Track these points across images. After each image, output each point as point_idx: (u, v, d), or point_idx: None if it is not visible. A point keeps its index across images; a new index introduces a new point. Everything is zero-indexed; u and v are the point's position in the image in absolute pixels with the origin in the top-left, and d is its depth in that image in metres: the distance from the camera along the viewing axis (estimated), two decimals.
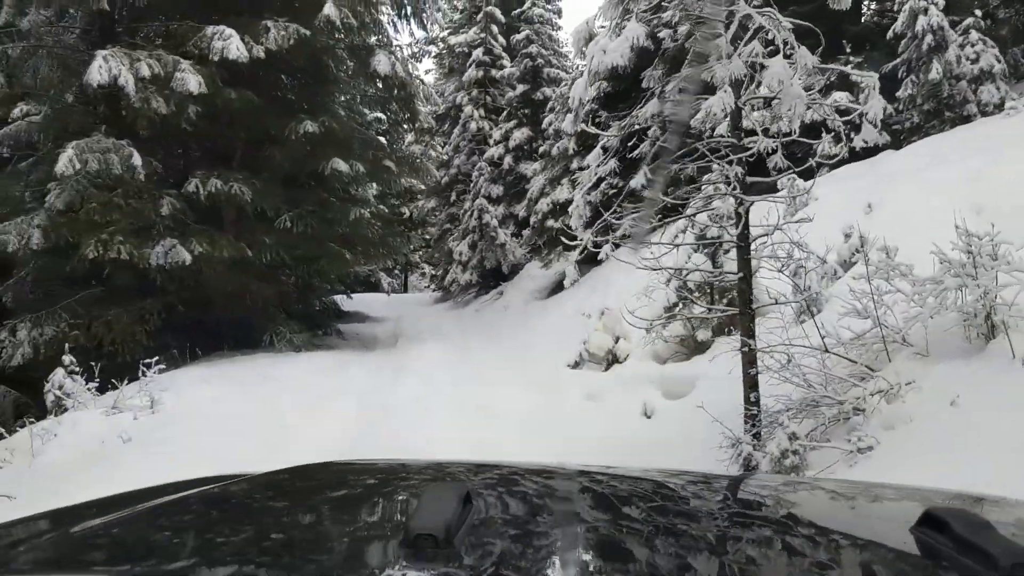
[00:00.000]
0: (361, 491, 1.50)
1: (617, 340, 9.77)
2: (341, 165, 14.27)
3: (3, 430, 8.27)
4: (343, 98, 17.26)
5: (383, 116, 18.73)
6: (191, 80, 12.49)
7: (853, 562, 1.04)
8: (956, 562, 0.91)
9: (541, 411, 8.09)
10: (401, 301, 29.17)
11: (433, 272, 44.89)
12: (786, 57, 5.71)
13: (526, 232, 22.90)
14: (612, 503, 1.38)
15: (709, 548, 1.09)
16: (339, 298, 24.23)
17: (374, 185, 17.71)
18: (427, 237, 43.19)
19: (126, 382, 9.35)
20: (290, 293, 16.14)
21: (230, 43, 12.84)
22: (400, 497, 1.44)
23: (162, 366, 10.38)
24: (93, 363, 12.75)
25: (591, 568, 1.02)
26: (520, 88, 24.07)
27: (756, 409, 5.96)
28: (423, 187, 36.27)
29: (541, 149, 22.12)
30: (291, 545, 1.08)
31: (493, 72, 26.72)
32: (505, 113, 24.68)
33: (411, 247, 17.78)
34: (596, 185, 7.78)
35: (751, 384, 6.01)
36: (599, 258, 10.99)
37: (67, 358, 10.50)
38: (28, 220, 12.94)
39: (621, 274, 13.16)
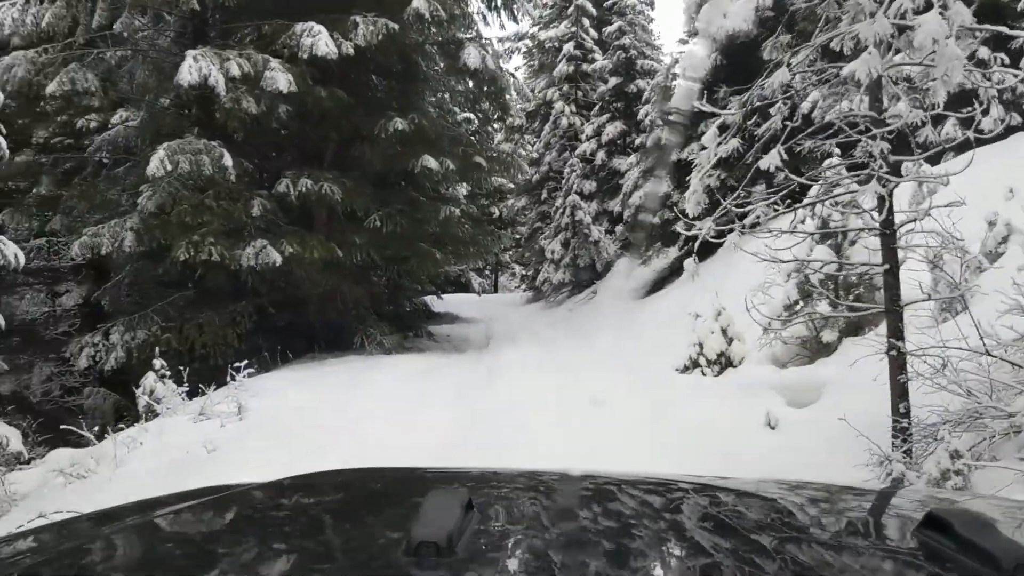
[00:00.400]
0: (363, 498, 1.51)
1: (731, 342, 8.99)
2: (431, 162, 13.86)
3: (92, 436, 8.08)
4: (432, 97, 16.89)
5: (472, 116, 18.25)
6: (280, 79, 12.28)
7: (856, 564, 1.02)
8: (959, 563, 0.90)
9: (650, 420, 7.40)
10: (492, 301, 28.78)
11: (524, 272, 44.52)
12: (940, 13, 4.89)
13: (619, 229, 22.18)
14: (618, 509, 1.38)
15: (705, 553, 1.08)
16: (430, 299, 24.01)
17: (464, 185, 17.36)
18: (517, 236, 42.87)
19: (213, 388, 9.10)
20: (380, 294, 15.87)
21: (319, 40, 12.57)
22: (403, 504, 1.42)
23: (252, 370, 10.15)
24: (183, 367, 12.72)
25: (593, 573, 0.98)
26: (613, 81, 23.31)
27: (906, 421, 5.15)
28: (512, 186, 35.98)
29: (637, 141, 21.35)
30: (293, 553, 1.08)
31: (584, 66, 26.05)
32: (597, 107, 23.97)
33: (502, 246, 17.25)
34: (718, 166, 7.02)
35: (900, 392, 5.20)
36: (692, 253, 10.24)
37: (158, 362, 10.40)
38: (121, 223, 12.98)
39: (732, 270, 12.34)
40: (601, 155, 23.07)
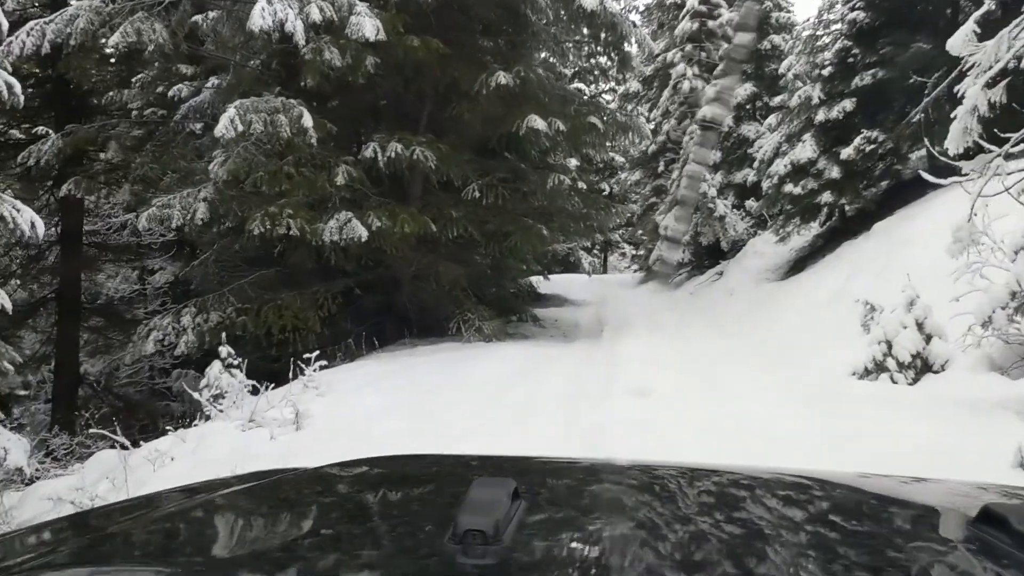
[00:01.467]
0: (408, 485, 1.48)
1: (929, 339, 6.80)
2: (538, 123, 11.97)
3: (127, 442, 6.64)
4: (541, 53, 14.91)
5: (583, 87, 16.23)
6: (367, 24, 10.64)
7: (911, 558, 0.98)
8: (1015, 559, 0.87)
9: (828, 447, 5.31)
10: (602, 282, 26.76)
11: (635, 252, 42.14)
12: None
13: (749, 203, 19.74)
14: (666, 499, 1.35)
15: (759, 545, 1.04)
16: (536, 279, 22.26)
17: (574, 156, 15.48)
18: (628, 215, 40.52)
19: (268, 387, 7.56)
20: (480, 274, 14.14)
21: None
22: (448, 492, 1.34)
23: (324, 362, 8.62)
24: (264, 353, 11.29)
25: (642, 566, 0.94)
26: (743, 38, 20.77)
27: None
28: (624, 160, 33.73)
29: (777, 99, 18.89)
30: (339, 540, 1.07)
31: (709, 23, 23.55)
32: (721, 66, 21.48)
33: (616, 221, 15.19)
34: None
35: None
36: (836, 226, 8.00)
37: (224, 349, 9.00)
38: (194, 193, 11.68)
39: (899, 249, 10.04)
40: (729, 120, 20.66)
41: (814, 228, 15.95)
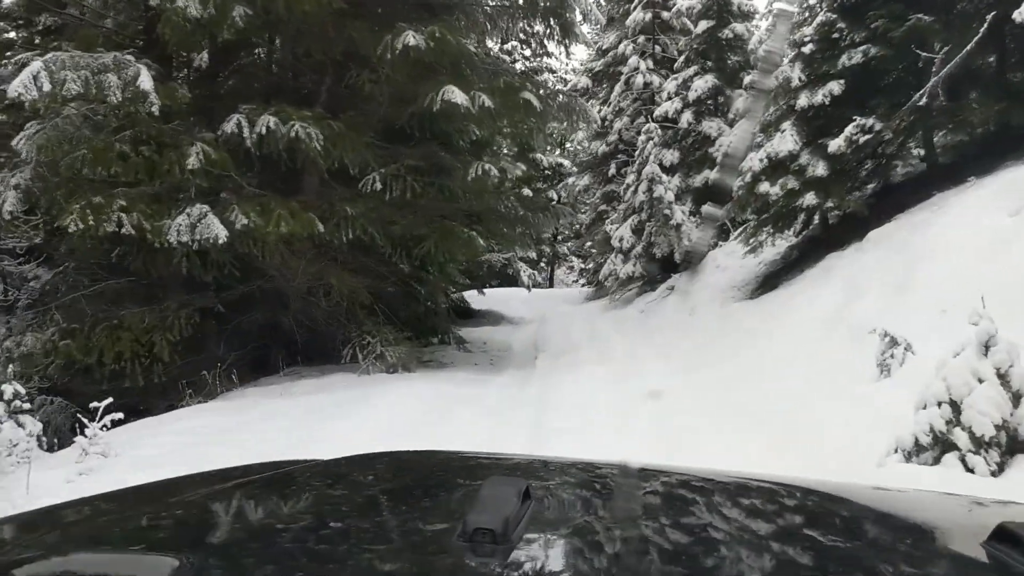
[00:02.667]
0: (420, 482, 1.49)
1: (1018, 402, 4.36)
2: (457, 96, 9.40)
3: None
4: (463, 22, 12.36)
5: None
6: None
7: (925, 575, 0.99)
8: None
9: None
10: (545, 297, 24.25)
11: (583, 265, 39.80)
12: None
13: (706, 208, 17.42)
14: (676, 504, 1.35)
15: (765, 553, 1.04)
16: (470, 294, 19.69)
17: (506, 145, 13.07)
18: (577, 226, 38.20)
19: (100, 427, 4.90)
20: (388, 288, 11.47)
21: None
22: (459, 490, 1.36)
23: (118, 415, 5.92)
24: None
25: (651, 570, 0.96)
26: (703, 26, 18.56)
27: None
28: (571, 164, 31.40)
29: (735, 100, 16.63)
30: (347, 533, 1.06)
31: (664, 13, 21.31)
32: (682, 59, 19.22)
33: (557, 223, 12.62)
34: None
35: None
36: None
37: (9, 388, 6.27)
38: (6, 177, 8.90)
39: (927, 263, 7.72)
40: (687, 117, 18.37)
41: (786, 238, 13.64)
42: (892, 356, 6.25)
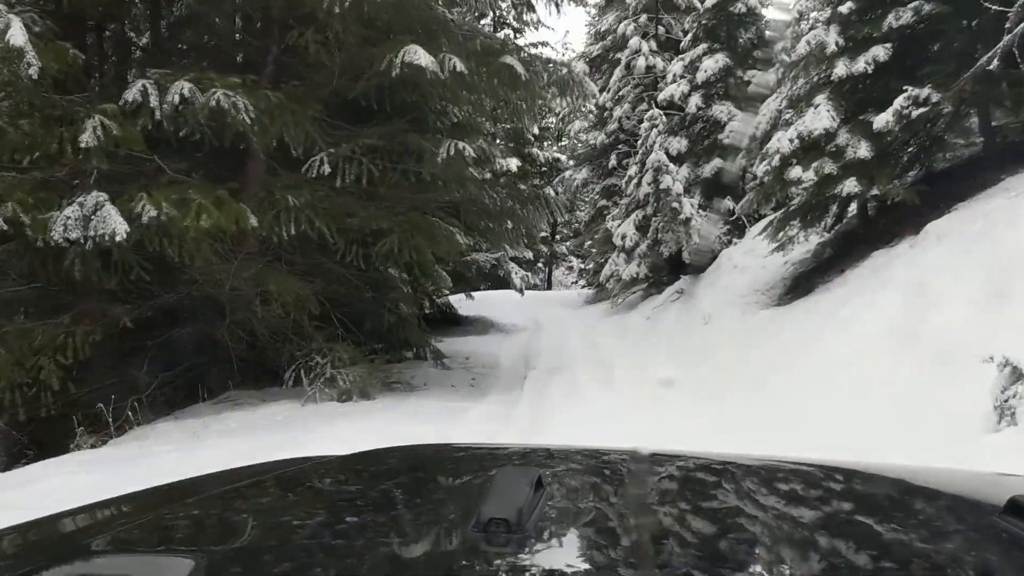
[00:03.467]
0: (433, 475, 1.50)
1: None
2: (421, 57, 7.56)
3: None
4: None
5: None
6: None
7: (937, 550, 0.97)
8: None
9: None
10: (541, 301, 22.39)
11: (582, 266, 37.84)
12: None
13: (720, 202, 15.60)
14: (689, 488, 1.36)
15: (778, 534, 1.05)
16: (457, 298, 17.84)
17: (500, 139, 11.23)
18: (576, 224, 36.31)
19: None
20: (350, 294, 9.61)
21: None
22: (472, 482, 1.38)
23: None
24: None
25: (666, 555, 0.94)
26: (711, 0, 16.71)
27: None
28: (568, 158, 29.57)
29: (751, 74, 14.83)
30: (364, 528, 1.06)
31: None
32: (690, 37, 17.34)
33: (553, 216, 10.72)
34: None
35: None
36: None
37: None
38: None
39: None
40: (695, 100, 16.51)
41: (816, 233, 11.77)
42: (1017, 395, 4.41)
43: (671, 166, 15.29)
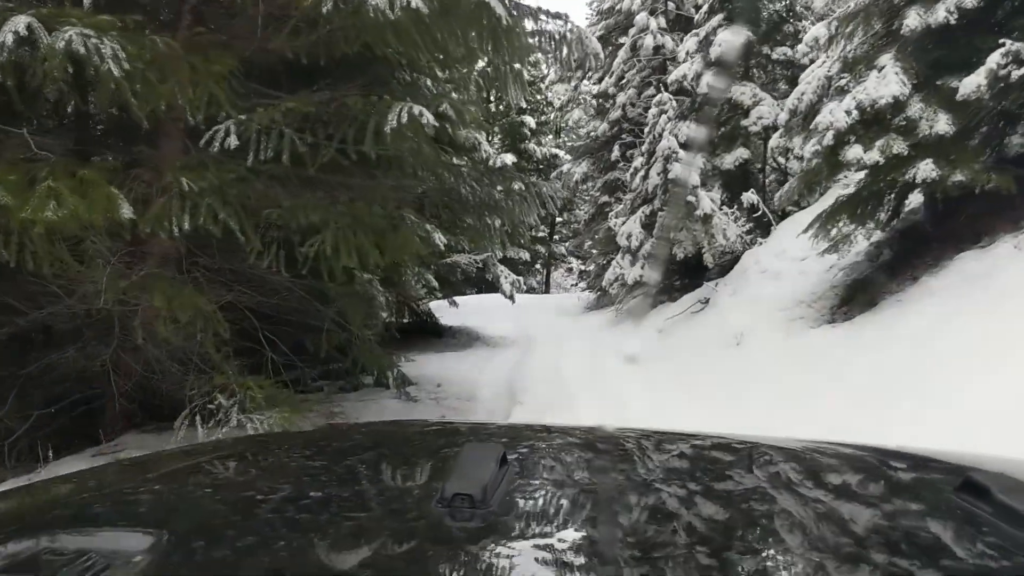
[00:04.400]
0: (398, 451, 1.49)
1: None
2: None
3: None
4: None
5: None
6: None
7: (892, 528, 0.97)
8: (997, 528, 0.88)
9: None
10: (537, 307, 20.27)
11: (582, 267, 35.69)
12: None
13: (746, 196, 13.47)
14: (654, 463, 1.36)
15: (739, 510, 1.05)
16: (441, 304, 15.74)
17: (461, 89, 9.05)
18: (575, 224, 34.17)
19: None
20: (288, 309, 7.48)
21: None
22: (437, 458, 1.39)
23: None
24: None
25: (630, 529, 0.96)
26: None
27: None
28: (567, 152, 27.45)
29: (780, 52, 12.74)
30: (327, 502, 1.06)
31: None
32: (706, 7, 15.20)
33: (544, 210, 8.65)
34: None
35: None
36: None
37: None
38: None
39: None
40: (712, 80, 14.39)
41: (866, 232, 9.60)
42: None
43: (683, 154, 13.15)
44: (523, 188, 8.63)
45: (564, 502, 1.06)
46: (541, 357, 11.65)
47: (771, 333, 8.57)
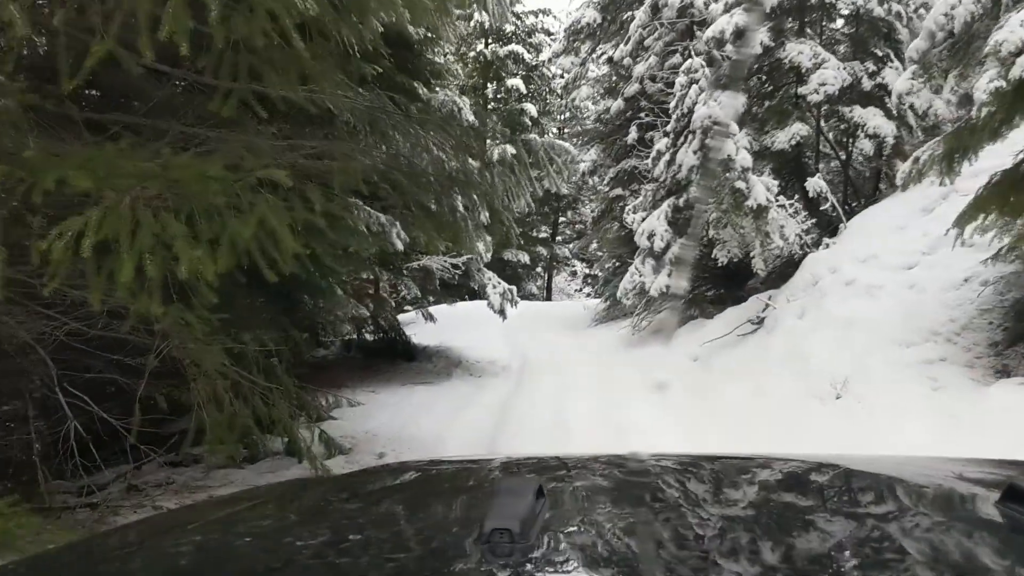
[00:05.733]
0: (433, 489, 1.50)
1: None
2: None
3: None
4: None
5: None
6: None
7: (935, 537, 0.98)
8: None
9: None
10: (536, 318, 17.19)
11: (588, 271, 32.51)
12: None
13: (815, 183, 10.39)
14: (690, 490, 1.34)
15: (786, 530, 1.03)
16: (411, 317, 12.73)
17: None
18: (579, 224, 30.97)
19: None
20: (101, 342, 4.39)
21: None
22: (474, 494, 1.39)
23: None
24: None
25: (670, 559, 0.94)
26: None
27: None
28: (571, 136, 24.38)
29: None
30: (368, 545, 1.05)
31: None
32: None
33: (538, 189, 5.76)
34: None
35: None
36: None
37: None
38: None
39: None
40: (759, 37, 11.30)
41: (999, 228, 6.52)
42: None
43: (728, 126, 10.03)
44: (511, 154, 5.53)
45: (602, 533, 1.05)
46: (540, 395, 8.54)
47: (899, 384, 5.46)
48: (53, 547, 1.21)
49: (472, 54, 27.75)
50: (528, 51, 28.26)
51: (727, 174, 9.54)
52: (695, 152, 9.91)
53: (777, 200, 9.95)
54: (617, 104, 15.92)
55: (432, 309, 12.39)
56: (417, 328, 12.35)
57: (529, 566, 0.85)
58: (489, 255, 9.75)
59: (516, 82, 27.20)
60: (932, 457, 1.46)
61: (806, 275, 9.43)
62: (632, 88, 15.32)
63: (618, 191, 16.81)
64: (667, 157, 12.25)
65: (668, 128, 12.43)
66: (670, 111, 12.63)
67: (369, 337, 11.83)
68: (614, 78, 16.89)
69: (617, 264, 17.56)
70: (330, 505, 1.37)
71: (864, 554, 0.91)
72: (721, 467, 1.42)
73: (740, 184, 9.47)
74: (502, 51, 27.41)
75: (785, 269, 10.69)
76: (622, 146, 16.28)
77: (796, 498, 1.24)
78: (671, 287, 11.01)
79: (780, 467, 1.41)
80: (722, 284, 12.76)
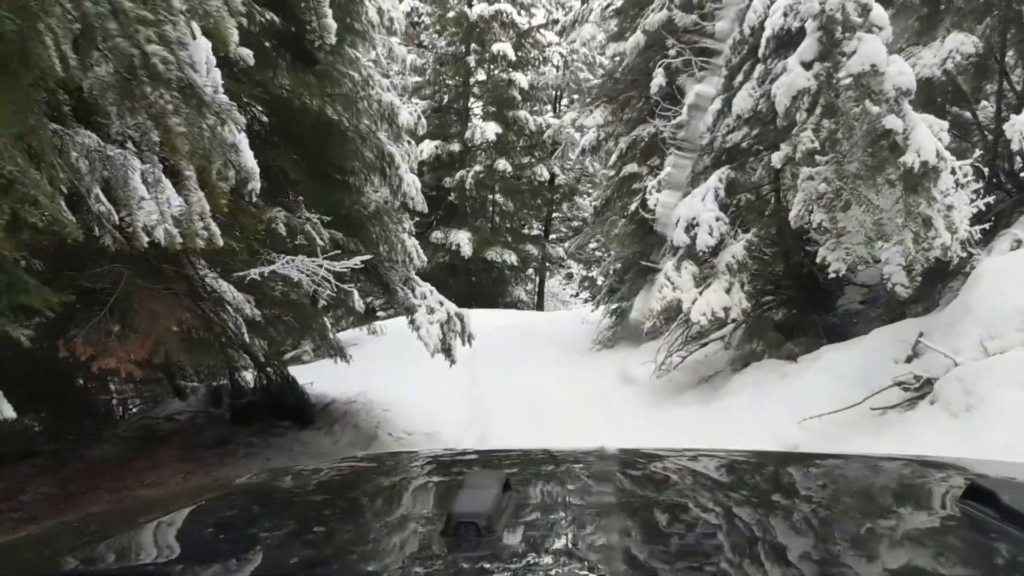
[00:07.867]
0: (400, 481, 1.47)
1: None
2: None
3: None
4: None
5: None
6: None
7: (898, 534, 0.99)
8: (1003, 532, 0.88)
9: None
10: (519, 337, 12.71)
11: (585, 272, 27.87)
12: None
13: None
14: (655, 483, 1.35)
15: (744, 524, 1.06)
16: (353, 335, 8.22)
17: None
18: (577, 221, 26.34)
19: None
20: None
21: None
22: (441, 487, 1.38)
23: None
24: None
25: (634, 551, 0.96)
26: None
27: None
28: (574, 118, 19.98)
29: None
30: (333, 536, 1.05)
31: None
32: None
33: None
34: None
35: None
36: None
37: None
38: None
39: None
40: None
41: None
42: None
43: (874, 6, 5.42)
44: None
45: (569, 524, 1.05)
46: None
47: None
48: (14, 537, 1.16)
49: (452, 15, 23.23)
50: (519, 12, 23.74)
51: (862, 103, 5.00)
52: (812, 57, 5.30)
53: (956, 169, 5.38)
54: (634, 41, 11.29)
55: (352, 334, 7.80)
56: (317, 374, 7.78)
57: (495, 558, 0.83)
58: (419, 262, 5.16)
59: (504, 47, 22.65)
60: (891, 457, 1.49)
61: (996, 300, 5.01)
62: (657, 17, 10.73)
63: (632, 167, 12.27)
64: (717, 105, 7.81)
65: (723, 59, 7.96)
66: (719, 35, 8.18)
67: (250, 385, 7.31)
68: (631, 12, 12.31)
69: (623, 267, 13.01)
70: (296, 497, 1.34)
71: (836, 553, 0.90)
72: (687, 463, 1.41)
73: (893, 122, 4.92)
74: (488, 10, 22.86)
75: (933, 278, 6.24)
76: (644, 100, 11.68)
77: (764, 494, 1.22)
78: (736, 312, 6.50)
79: (748, 463, 1.41)
80: (794, 303, 8.25)
